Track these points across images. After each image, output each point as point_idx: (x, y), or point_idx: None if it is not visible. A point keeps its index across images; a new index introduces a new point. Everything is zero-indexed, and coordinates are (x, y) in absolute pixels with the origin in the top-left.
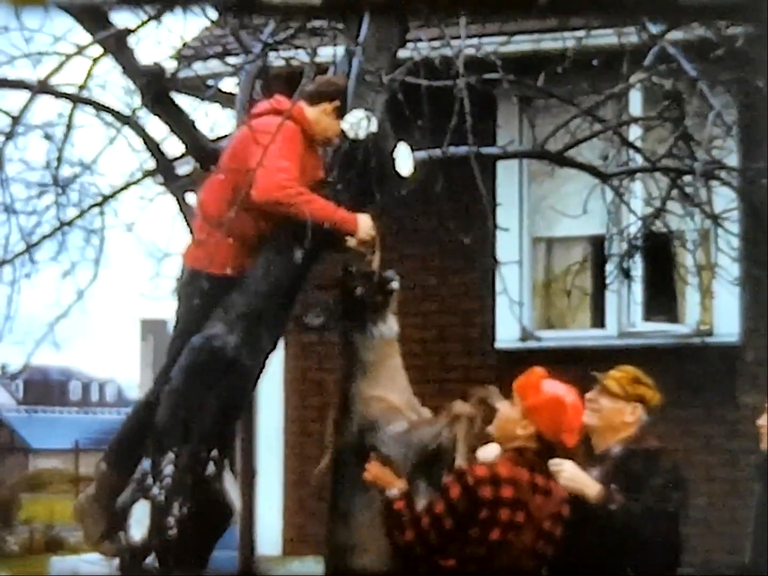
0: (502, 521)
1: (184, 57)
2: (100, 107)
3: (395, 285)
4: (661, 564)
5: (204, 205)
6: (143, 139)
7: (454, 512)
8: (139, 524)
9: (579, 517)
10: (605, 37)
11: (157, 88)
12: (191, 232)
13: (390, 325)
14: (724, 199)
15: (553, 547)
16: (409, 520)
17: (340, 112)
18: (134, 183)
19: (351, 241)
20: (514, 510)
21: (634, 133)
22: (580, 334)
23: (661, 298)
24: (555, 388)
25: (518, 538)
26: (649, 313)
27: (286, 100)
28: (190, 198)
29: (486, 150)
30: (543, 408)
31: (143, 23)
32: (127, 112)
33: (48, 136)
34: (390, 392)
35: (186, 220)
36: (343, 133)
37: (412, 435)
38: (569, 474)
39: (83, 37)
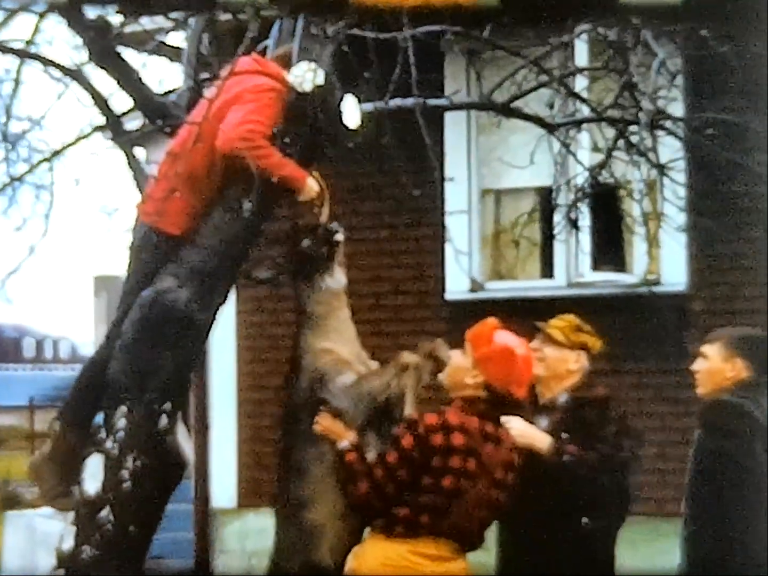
0: (454, 469)
1: (130, 11)
2: (47, 62)
3: (340, 237)
4: (615, 513)
5: (170, 154)
6: (91, 95)
7: (407, 461)
8: (93, 478)
9: (532, 468)
10: None
11: (103, 43)
12: (139, 187)
13: (337, 278)
14: (670, 148)
15: (505, 495)
16: (362, 472)
17: None
18: (83, 138)
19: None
20: (466, 457)
21: (581, 83)
22: (529, 285)
23: (609, 248)
24: (507, 339)
25: (470, 486)
26: (598, 263)
27: (267, 61)
28: (139, 152)
29: (433, 101)
30: (493, 358)
31: None
32: (74, 67)
33: None
34: (338, 344)
35: (135, 175)
36: (289, 86)
37: (361, 386)
38: (518, 430)
39: None
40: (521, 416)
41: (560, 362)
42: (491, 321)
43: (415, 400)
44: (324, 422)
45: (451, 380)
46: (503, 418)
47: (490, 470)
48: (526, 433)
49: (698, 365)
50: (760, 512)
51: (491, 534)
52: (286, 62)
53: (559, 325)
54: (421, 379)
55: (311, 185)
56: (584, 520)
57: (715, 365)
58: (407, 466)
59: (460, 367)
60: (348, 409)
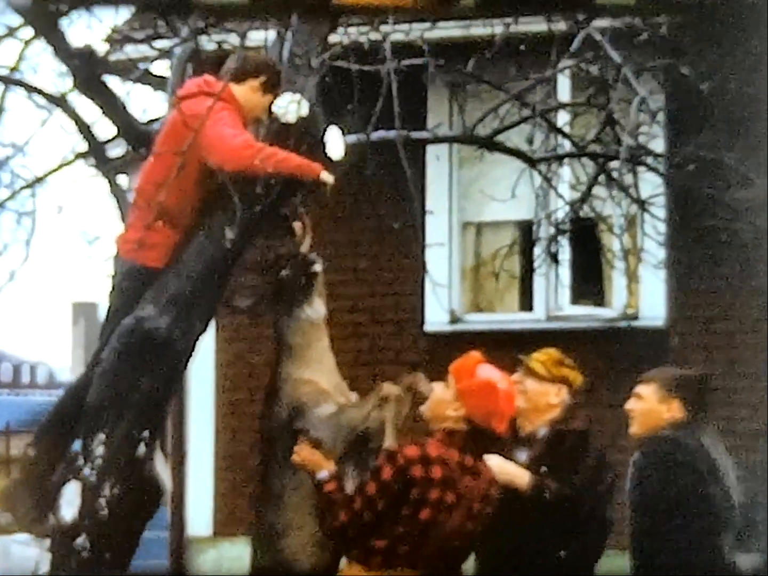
0: (432, 501)
1: (115, 40)
2: (31, 89)
3: (318, 267)
4: (592, 546)
5: (139, 191)
6: (75, 122)
7: (386, 493)
8: (70, 505)
9: (511, 503)
10: (533, 24)
11: (88, 71)
12: (122, 215)
13: (316, 308)
14: (651, 184)
15: (482, 528)
16: (341, 502)
17: (268, 87)
18: (66, 165)
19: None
20: (444, 490)
21: (563, 118)
22: (508, 317)
23: (589, 282)
24: (489, 373)
25: (448, 518)
26: (577, 297)
27: (214, 81)
28: (122, 180)
29: (415, 134)
30: (475, 392)
31: (74, 5)
32: (58, 94)
33: None
34: (318, 375)
35: (117, 203)
36: (272, 116)
37: (340, 417)
38: (498, 467)
39: (15, 19)
40: (501, 450)
41: (541, 395)
42: (474, 354)
43: (395, 432)
44: (303, 452)
45: (433, 412)
46: (484, 456)
47: (468, 503)
48: (506, 470)
49: (633, 405)
50: (711, 538)
51: (469, 565)
52: (234, 76)
53: (541, 358)
54: (402, 411)
55: (326, 172)
56: (561, 553)
57: (651, 406)
58: (386, 497)
59: (442, 399)
60: (327, 440)
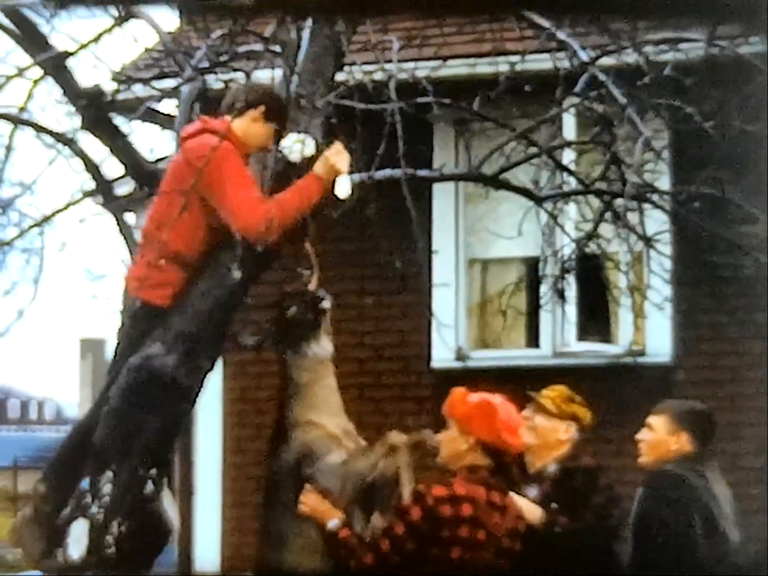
0: (462, 539)
1: (123, 80)
2: (40, 129)
3: (327, 304)
4: None
5: (145, 230)
6: (83, 160)
7: (415, 533)
8: (77, 543)
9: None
10: (538, 62)
11: (96, 110)
12: (130, 253)
13: (324, 345)
14: (657, 221)
15: (511, 563)
16: (363, 546)
17: (270, 116)
18: (74, 204)
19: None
20: (474, 527)
21: (569, 156)
22: (514, 354)
23: (595, 319)
24: (480, 395)
25: (478, 556)
26: (583, 333)
27: (213, 120)
28: (129, 218)
29: (422, 173)
30: (474, 414)
31: (83, 46)
32: (66, 133)
33: None
34: (325, 416)
35: (125, 240)
36: (279, 152)
37: (349, 467)
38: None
39: (23, 58)
40: (521, 469)
41: (551, 432)
42: (459, 389)
43: (411, 478)
44: (310, 502)
45: (448, 453)
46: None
47: (497, 539)
48: (518, 505)
49: (643, 435)
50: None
51: None
52: (231, 110)
53: (550, 395)
54: (414, 456)
55: (329, 162)
56: None
57: (660, 437)
58: (415, 538)
59: (451, 438)
60: (335, 489)
